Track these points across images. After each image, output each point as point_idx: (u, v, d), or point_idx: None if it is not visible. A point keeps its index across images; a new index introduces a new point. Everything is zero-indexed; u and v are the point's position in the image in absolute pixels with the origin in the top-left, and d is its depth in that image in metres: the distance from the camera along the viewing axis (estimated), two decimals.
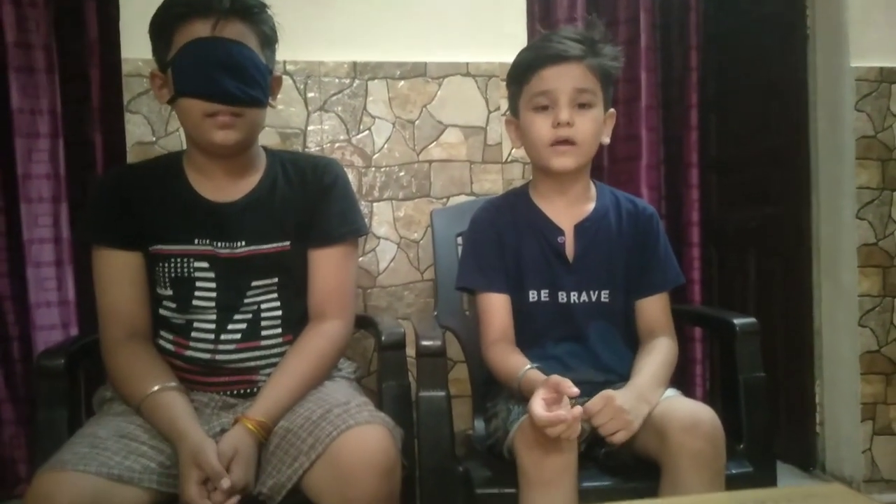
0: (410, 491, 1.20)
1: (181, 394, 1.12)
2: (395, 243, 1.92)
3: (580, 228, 1.33)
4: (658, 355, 1.26)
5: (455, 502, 1.14)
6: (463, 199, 1.91)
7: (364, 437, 1.03)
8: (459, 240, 1.65)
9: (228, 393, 1.19)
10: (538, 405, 1.04)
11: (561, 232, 1.33)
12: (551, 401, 1.05)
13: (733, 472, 1.15)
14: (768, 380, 1.26)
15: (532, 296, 1.32)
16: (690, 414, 1.10)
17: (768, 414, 1.24)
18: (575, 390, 1.03)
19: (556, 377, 1.07)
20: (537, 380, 1.13)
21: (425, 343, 1.22)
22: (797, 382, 2.39)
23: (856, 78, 2.13)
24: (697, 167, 2.42)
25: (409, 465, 1.15)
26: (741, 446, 1.22)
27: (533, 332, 1.32)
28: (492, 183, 1.95)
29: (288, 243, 1.23)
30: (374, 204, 1.90)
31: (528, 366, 1.19)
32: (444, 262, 1.61)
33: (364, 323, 1.48)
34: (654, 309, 1.34)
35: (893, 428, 2.22)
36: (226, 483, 0.99)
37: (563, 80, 1.25)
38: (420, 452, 1.15)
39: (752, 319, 1.29)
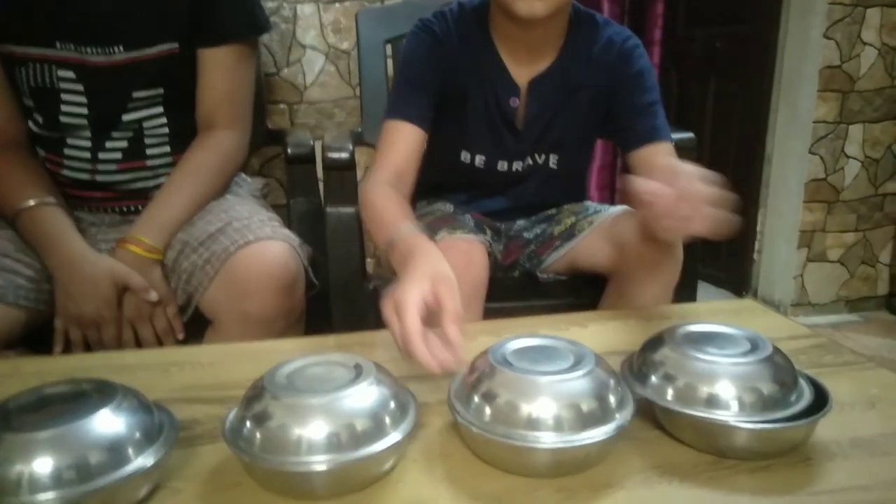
0: (325, 309, 1.16)
1: (62, 210, 1.00)
2: (322, 53, 1.74)
3: (535, 85, 1.06)
4: None
5: (365, 319, 1.10)
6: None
7: (262, 253, 0.96)
8: (389, 48, 1.49)
9: (115, 210, 1.09)
10: (412, 313, 0.65)
11: (516, 90, 1.06)
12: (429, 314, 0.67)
13: None
14: None
15: (465, 157, 1.12)
16: None
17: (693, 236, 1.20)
18: (459, 355, 0.63)
19: (450, 303, 0.66)
20: (417, 251, 0.75)
21: (332, 155, 1.11)
22: (740, 211, 2.39)
23: None
24: None
25: (320, 284, 1.10)
26: None
27: (456, 185, 1.17)
28: None
29: (176, 45, 1.05)
30: (298, 6, 1.69)
31: (411, 228, 0.82)
32: (370, 71, 1.45)
33: (273, 137, 1.35)
34: (667, 158, 0.98)
35: (828, 255, 2.26)
36: (153, 296, 0.95)
37: None
38: (329, 270, 1.09)
39: (689, 134, 1.20)
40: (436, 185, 1.21)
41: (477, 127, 1.09)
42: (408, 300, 0.65)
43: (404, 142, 1.00)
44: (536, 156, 1.12)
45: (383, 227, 0.85)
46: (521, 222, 1.22)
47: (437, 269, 0.70)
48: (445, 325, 0.64)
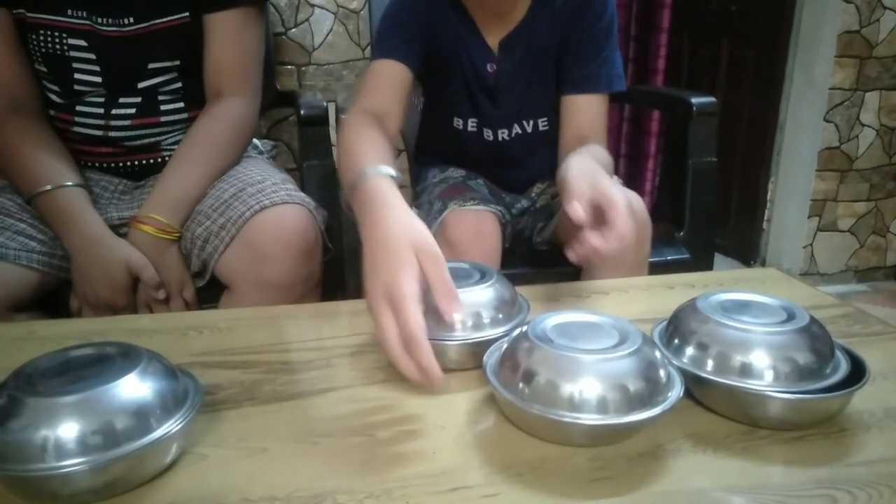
0: (339, 274, 1.15)
1: (79, 189, 0.97)
2: (331, 13, 1.70)
3: (504, 47, 1.03)
4: (592, 151, 0.89)
5: None
6: None
7: (280, 217, 0.95)
8: None
9: (127, 166, 1.07)
10: (413, 310, 0.54)
11: (490, 55, 1.04)
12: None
13: (669, 258, 1.12)
14: (723, 176, 1.18)
15: (457, 123, 1.11)
16: None
17: (712, 201, 1.18)
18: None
19: (438, 278, 0.56)
20: (378, 200, 0.65)
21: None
22: (751, 180, 2.37)
23: None
24: None
25: (335, 248, 1.09)
26: (681, 233, 1.17)
27: (457, 154, 1.15)
28: None
29: (187, 15, 1.01)
30: None
31: (378, 168, 0.69)
32: None
33: (282, 99, 1.33)
34: (587, 111, 1.01)
35: (838, 224, 2.24)
36: (161, 294, 0.95)
37: None
38: (342, 233, 1.08)
39: (711, 99, 1.18)
40: (442, 154, 1.19)
41: (460, 93, 1.08)
42: (405, 292, 0.53)
43: (390, 79, 0.96)
44: (525, 122, 1.09)
45: (349, 167, 0.73)
46: (524, 202, 1.19)
47: (417, 239, 0.58)
48: (439, 302, 0.55)
